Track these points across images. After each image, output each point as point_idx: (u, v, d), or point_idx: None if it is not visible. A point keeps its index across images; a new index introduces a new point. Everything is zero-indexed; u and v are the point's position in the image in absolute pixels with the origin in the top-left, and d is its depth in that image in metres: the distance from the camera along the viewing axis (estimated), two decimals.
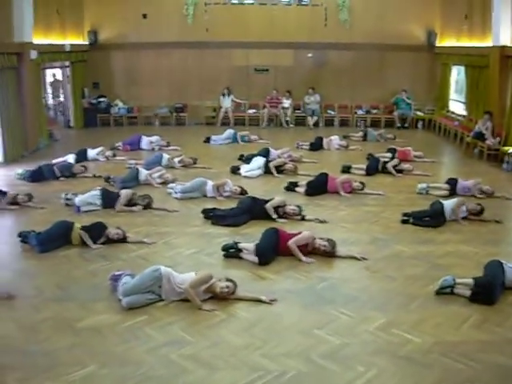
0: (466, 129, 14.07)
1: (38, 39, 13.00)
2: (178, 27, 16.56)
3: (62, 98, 17.73)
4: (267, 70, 17.17)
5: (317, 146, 13.40)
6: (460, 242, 7.27)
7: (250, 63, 17.10)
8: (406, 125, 16.73)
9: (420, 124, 16.90)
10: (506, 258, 6.07)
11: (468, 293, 5.55)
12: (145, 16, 16.53)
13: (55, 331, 4.88)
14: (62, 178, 10.27)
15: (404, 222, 8.02)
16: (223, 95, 16.67)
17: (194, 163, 11.40)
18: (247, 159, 11.43)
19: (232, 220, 7.85)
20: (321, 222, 7.97)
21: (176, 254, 6.73)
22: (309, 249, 6.67)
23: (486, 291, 5.48)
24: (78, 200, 8.42)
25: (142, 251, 6.82)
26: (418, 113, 17.04)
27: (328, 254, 6.64)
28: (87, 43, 16.45)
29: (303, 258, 6.56)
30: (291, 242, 6.59)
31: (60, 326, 4.96)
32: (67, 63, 15.68)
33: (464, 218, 8.09)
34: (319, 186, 9.51)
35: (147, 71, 16.91)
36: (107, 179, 9.88)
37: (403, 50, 16.73)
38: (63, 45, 14.70)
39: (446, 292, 5.64)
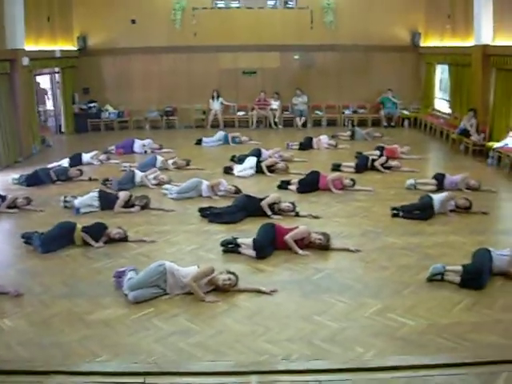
0: (451, 126, 14.40)
1: (29, 46, 13.13)
2: (166, 32, 16.74)
3: (47, 106, 17.83)
4: (255, 73, 17.43)
5: (306, 145, 13.64)
6: (449, 232, 7.56)
7: (238, 66, 17.33)
8: (393, 123, 17.02)
9: (406, 122, 17.15)
10: (493, 245, 6.35)
11: (458, 279, 5.82)
12: (134, 21, 16.65)
13: (66, 325, 5.07)
14: (58, 182, 10.44)
15: (394, 215, 8.30)
16: (212, 98, 16.91)
17: (188, 165, 11.59)
18: (239, 160, 11.65)
19: (228, 217, 8.07)
20: (314, 217, 8.22)
21: (177, 251, 6.94)
22: (305, 242, 6.92)
23: (474, 277, 5.75)
24: (77, 202, 8.60)
25: (144, 249, 7.03)
26: (404, 111, 17.29)
27: (323, 247, 6.89)
28: (77, 49, 16.57)
29: (299, 251, 6.80)
30: (288, 237, 6.83)
31: (71, 320, 5.16)
32: (57, 69, 15.80)
33: (452, 211, 8.39)
34: (311, 184, 9.78)
35: (137, 76, 17.07)
36: (105, 181, 10.05)
37: (388, 50, 17.06)
38: (53, 51, 14.83)
39: (436, 279, 5.91)
